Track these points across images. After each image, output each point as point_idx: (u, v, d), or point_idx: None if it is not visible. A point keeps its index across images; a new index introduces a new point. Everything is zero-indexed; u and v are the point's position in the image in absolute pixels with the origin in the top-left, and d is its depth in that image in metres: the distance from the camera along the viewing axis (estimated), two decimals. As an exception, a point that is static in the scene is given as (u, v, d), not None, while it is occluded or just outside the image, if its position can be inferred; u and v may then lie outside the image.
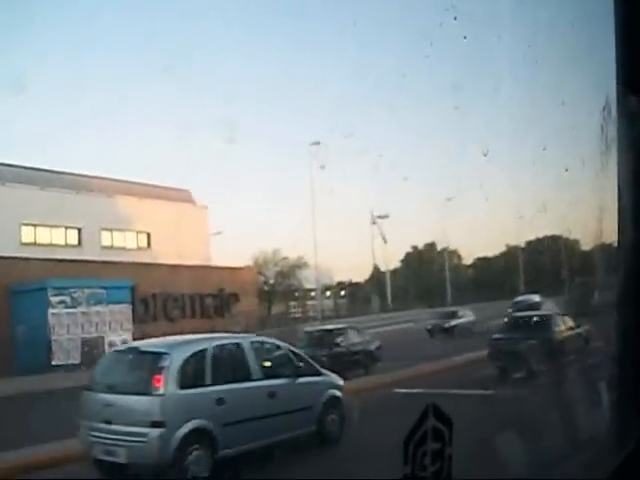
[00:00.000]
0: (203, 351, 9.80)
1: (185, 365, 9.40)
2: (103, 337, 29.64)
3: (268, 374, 10.50)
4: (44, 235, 37.94)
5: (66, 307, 28.53)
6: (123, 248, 41.29)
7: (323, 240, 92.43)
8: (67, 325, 28.46)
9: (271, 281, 73.31)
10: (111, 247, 40.62)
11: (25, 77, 49.82)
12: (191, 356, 9.62)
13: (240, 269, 42.13)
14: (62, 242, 38.73)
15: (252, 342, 10.94)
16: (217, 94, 65.94)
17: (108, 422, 9.01)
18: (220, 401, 9.43)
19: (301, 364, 11.20)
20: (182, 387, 9.25)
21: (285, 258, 70.98)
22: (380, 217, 67.82)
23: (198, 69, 60.65)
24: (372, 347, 22.60)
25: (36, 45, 51.11)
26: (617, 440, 2.22)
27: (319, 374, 11.47)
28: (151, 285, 35.38)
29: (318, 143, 43.54)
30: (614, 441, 2.26)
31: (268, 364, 10.72)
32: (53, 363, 27.26)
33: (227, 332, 33.48)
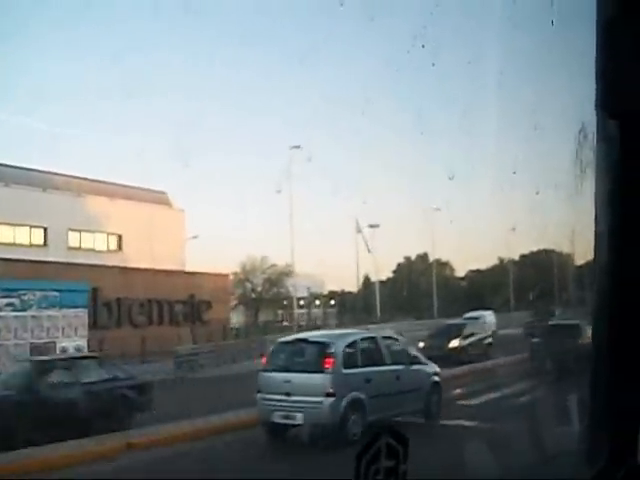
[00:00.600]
0: (355, 342, 12.89)
1: (345, 352, 12.29)
2: (55, 342, 27.91)
3: (394, 361, 13.18)
4: (7, 234, 36.36)
5: (14, 310, 26.80)
6: (92, 250, 39.75)
7: (310, 249, 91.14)
8: (15, 329, 26.72)
9: (259, 288, 71.95)
10: (79, 248, 39.05)
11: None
12: (348, 345, 12.55)
13: (214, 275, 40.55)
14: (26, 242, 37.17)
15: (382, 336, 14.31)
16: (198, 96, 64.80)
17: (287, 394, 11.78)
18: (368, 380, 12.25)
19: (413, 355, 14.61)
20: (344, 367, 12.08)
21: (273, 265, 69.55)
22: (371, 226, 66.28)
23: (177, 70, 59.48)
24: None
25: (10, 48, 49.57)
26: (587, 456, 2.21)
27: (425, 363, 14.71)
28: (116, 289, 33.97)
29: (298, 147, 42.07)
30: (584, 457, 2.23)
31: (394, 353, 13.46)
32: (-3, 370, 25.60)
33: (194, 341, 32.49)
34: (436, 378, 14.52)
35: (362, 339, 13.34)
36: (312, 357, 12.36)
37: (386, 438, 2.00)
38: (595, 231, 2.09)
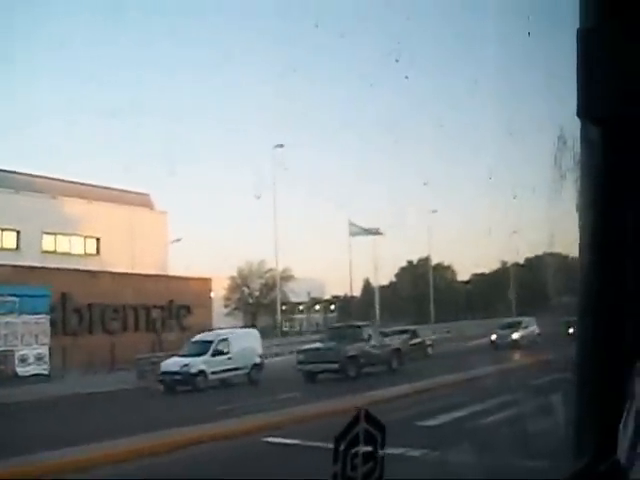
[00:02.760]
0: None
1: None
2: (13, 351, 26.66)
3: None
4: (-24, 238, 35.14)
5: (-33, 317, 25.61)
6: (68, 253, 38.43)
7: (307, 253, 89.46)
8: (-33, 338, 25.53)
9: (256, 293, 70.65)
10: (54, 252, 37.74)
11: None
12: None
13: (195, 279, 39.01)
14: (-4, 245, 35.88)
15: None
16: (175, 94, 63.38)
17: None
18: None
19: None
20: None
21: (270, 270, 68.09)
22: (372, 232, 64.76)
23: (157, 66, 57.88)
24: None
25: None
26: (573, 452, 2.23)
27: None
28: (88, 294, 32.52)
29: (282, 146, 40.54)
30: (570, 452, 2.23)
31: None
32: (-51, 380, 24.39)
33: (169, 348, 31.03)
34: None
35: None
36: None
37: (364, 425, 1.93)
38: (580, 236, 2.10)
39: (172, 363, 23.19)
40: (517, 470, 7.17)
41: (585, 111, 1.94)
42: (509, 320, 34.96)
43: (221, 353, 23.76)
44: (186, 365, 22.62)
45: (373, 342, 24.33)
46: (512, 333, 31.17)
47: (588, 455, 2.13)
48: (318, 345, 24.06)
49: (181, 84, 62.20)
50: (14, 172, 36.39)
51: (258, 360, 24.87)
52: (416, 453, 9.61)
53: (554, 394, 8.74)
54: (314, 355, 22.82)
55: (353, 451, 1.92)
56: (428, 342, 31.05)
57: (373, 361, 23.30)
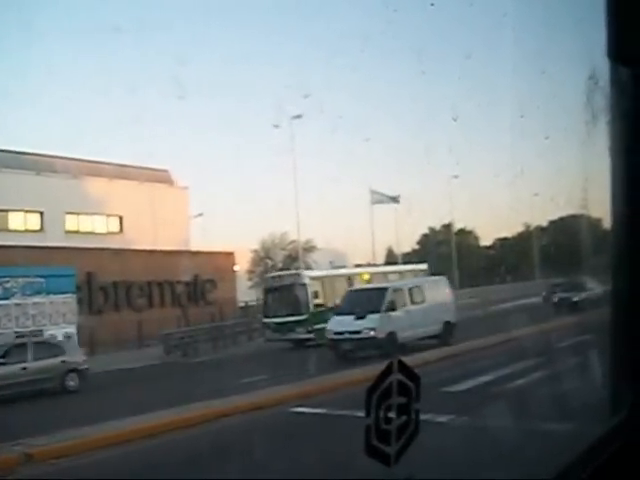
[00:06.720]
0: None
1: None
2: (42, 330, 26.94)
3: None
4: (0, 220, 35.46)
5: (-4, 298, 25.94)
6: (91, 233, 38.73)
7: (330, 223, 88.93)
8: (-3, 318, 25.88)
9: (279, 265, 70.78)
10: (77, 232, 38.03)
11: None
12: None
13: (219, 254, 39.23)
14: (21, 227, 36.22)
15: None
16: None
17: None
18: None
19: None
20: None
21: (293, 241, 68.12)
22: (393, 198, 64.59)
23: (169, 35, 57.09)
24: None
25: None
26: (611, 406, 2.27)
27: None
28: (113, 272, 32.89)
29: (300, 116, 40.22)
30: (608, 407, 2.29)
31: None
32: (-21, 360, 24.70)
33: (199, 322, 31.31)
34: None
35: None
36: None
37: (397, 375, 1.94)
38: (611, 179, 2.07)
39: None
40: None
41: (614, 52, 1.93)
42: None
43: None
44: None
45: None
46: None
47: (625, 409, 2.14)
48: None
49: (197, 56, 61.52)
50: (35, 154, 36.65)
51: None
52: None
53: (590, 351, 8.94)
54: None
55: (386, 403, 1.92)
56: None
57: None
